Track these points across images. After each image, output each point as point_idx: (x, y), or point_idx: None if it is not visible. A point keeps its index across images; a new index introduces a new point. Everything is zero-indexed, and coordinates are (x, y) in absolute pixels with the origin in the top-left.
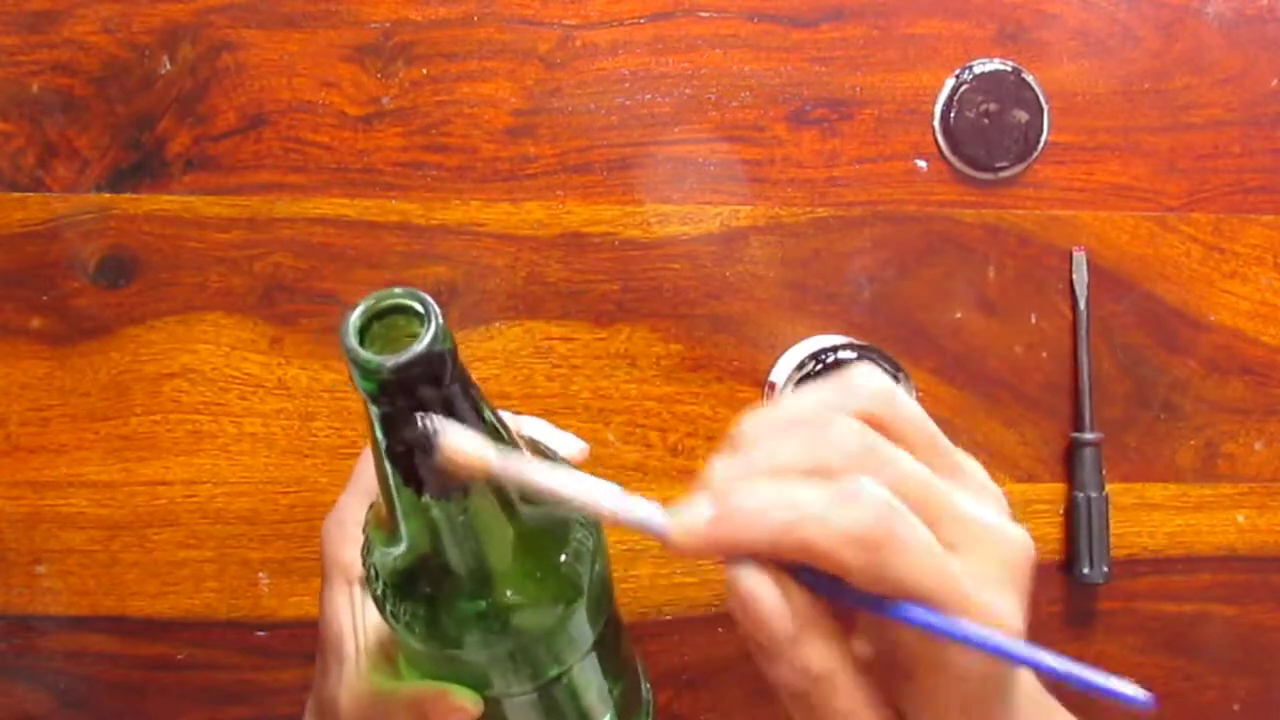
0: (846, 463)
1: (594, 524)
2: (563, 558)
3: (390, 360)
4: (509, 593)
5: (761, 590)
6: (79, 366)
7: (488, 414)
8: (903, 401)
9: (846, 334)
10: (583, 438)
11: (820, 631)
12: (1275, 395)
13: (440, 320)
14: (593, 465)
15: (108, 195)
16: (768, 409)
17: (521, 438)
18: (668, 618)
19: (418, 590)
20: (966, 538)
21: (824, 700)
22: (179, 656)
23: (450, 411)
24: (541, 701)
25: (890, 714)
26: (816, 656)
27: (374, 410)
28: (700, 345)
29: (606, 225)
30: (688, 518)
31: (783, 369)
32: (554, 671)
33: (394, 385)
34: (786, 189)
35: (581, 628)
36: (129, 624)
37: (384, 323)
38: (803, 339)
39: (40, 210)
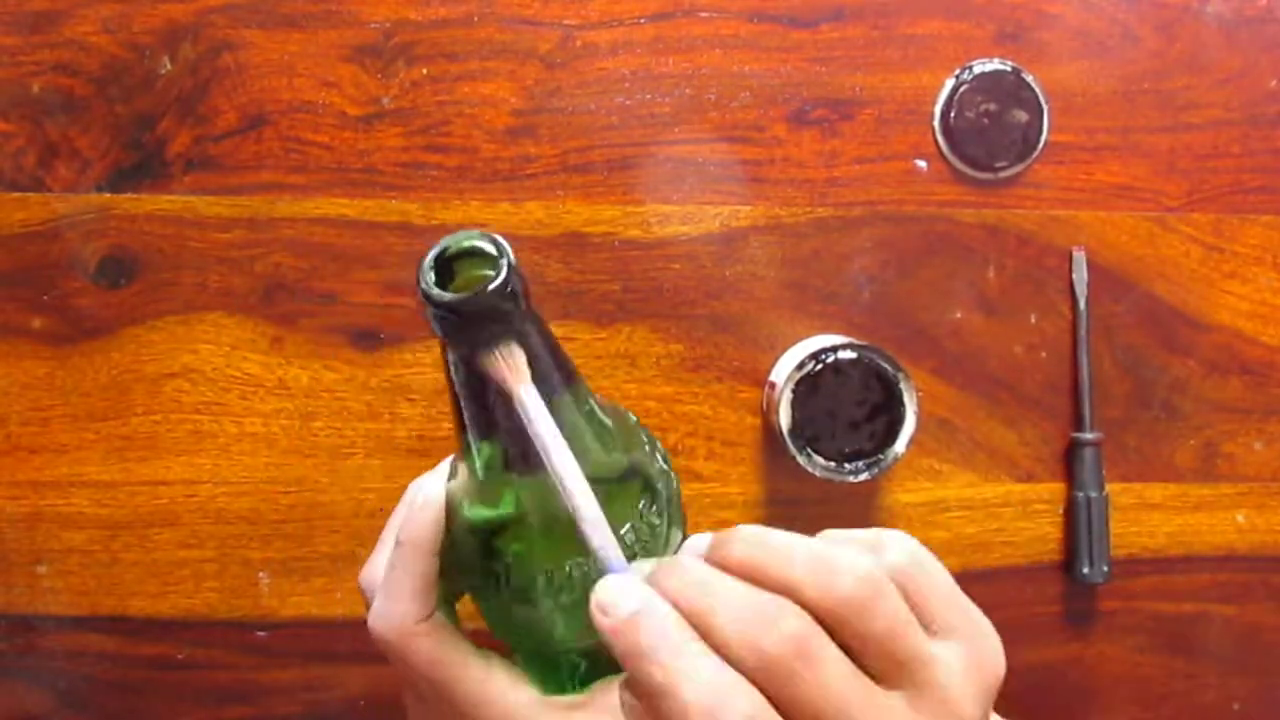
0: (774, 649)
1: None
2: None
3: (456, 297)
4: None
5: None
6: (79, 366)
7: (565, 365)
8: (916, 574)
9: (846, 334)
10: None
11: None
12: (1275, 395)
13: (512, 260)
14: None
15: (108, 195)
16: (780, 534)
17: (622, 418)
18: None
19: (526, 533)
20: None
21: None
22: (179, 656)
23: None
24: None
25: None
26: None
27: (451, 354)
28: (700, 345)
29: (606, 225)
30: (626, 599)
31: (783, 369)
32: None
33: (460, 322)
34: (786, 189)
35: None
36: (129, 624)
37: (460, 265)
38: (803, 339)
39: (41, 210)
